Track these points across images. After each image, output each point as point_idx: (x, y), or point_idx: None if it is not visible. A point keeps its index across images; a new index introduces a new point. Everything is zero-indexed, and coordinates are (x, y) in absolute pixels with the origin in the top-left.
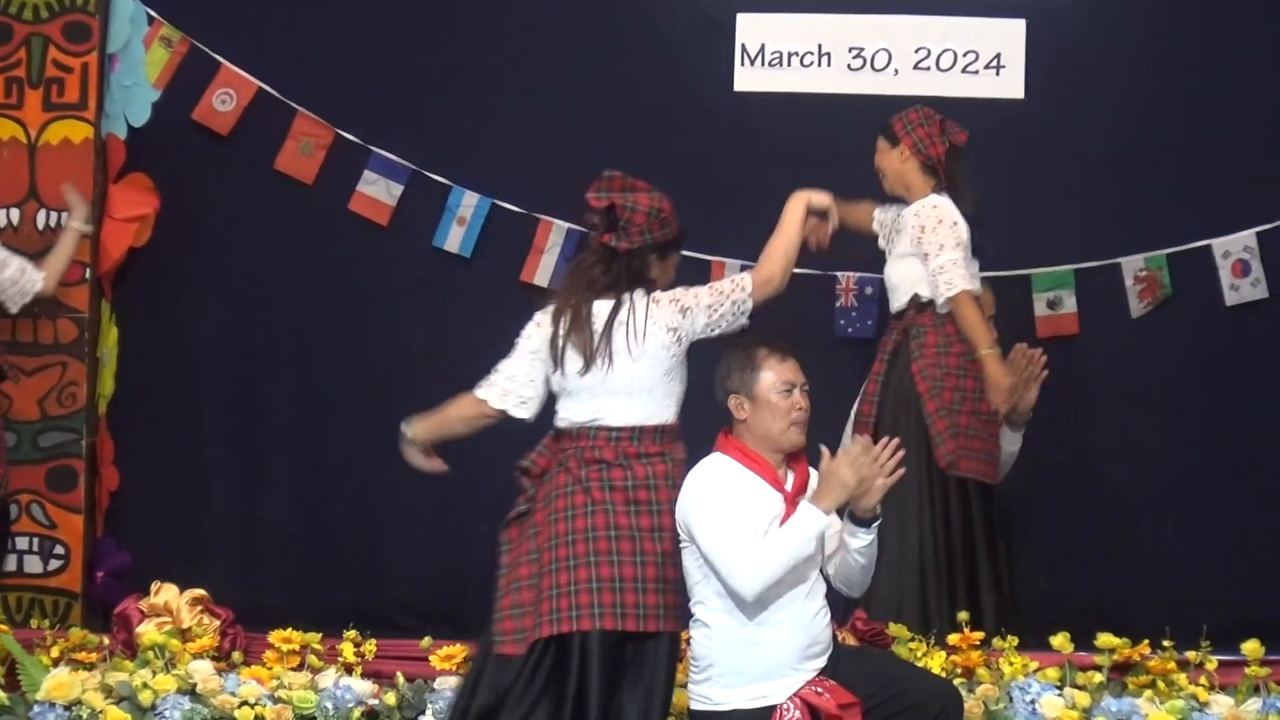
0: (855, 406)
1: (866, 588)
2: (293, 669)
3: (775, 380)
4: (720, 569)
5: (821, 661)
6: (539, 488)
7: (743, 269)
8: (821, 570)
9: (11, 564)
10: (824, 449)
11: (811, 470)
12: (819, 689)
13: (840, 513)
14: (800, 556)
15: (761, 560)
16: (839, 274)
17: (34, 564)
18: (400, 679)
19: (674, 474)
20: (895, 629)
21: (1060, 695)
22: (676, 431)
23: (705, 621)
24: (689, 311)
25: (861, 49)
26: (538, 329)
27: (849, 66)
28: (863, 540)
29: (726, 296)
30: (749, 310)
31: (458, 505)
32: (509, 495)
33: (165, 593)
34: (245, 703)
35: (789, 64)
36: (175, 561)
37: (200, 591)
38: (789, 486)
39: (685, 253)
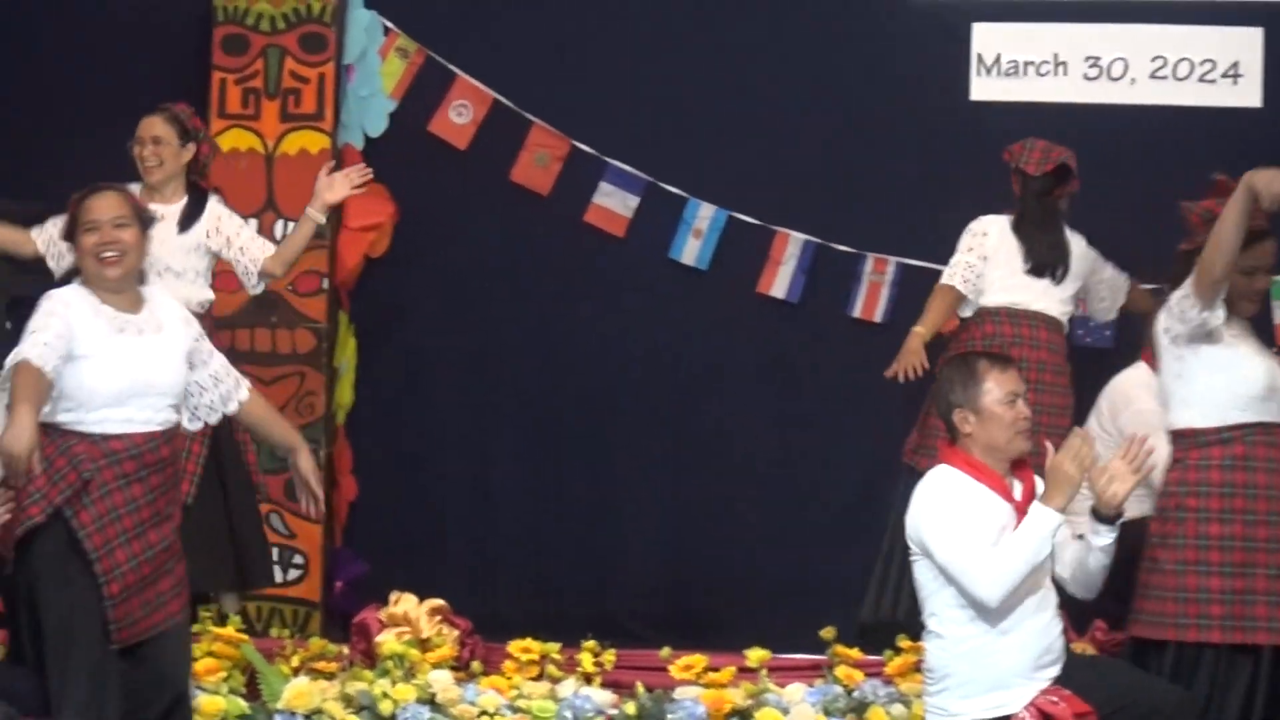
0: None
1: (1100, 589)
2: (532, 679)
3: (999, 392)
4: (960, 579)
5: (1055, 670)
6: None
7: None
8: (1052, 578)
9: None
10: (1048, 446)
11: (1038, 478)
12: (1054, 698)
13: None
14: (1038, 558)
15: (1001, 566)
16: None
17: (274, 574)
18: (640, 689)
19: None
20: None
21: None
22: None
23: (940, 633)
24: None
25: (1098, 58)
26: None
27: (1085, 76)
28: (1106, 538)
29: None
30: None
31: (691, 514)
32: (739, 506)
33: (404, 602)
34: (485, 712)
35: (1025, 73)
36: (411, 571)
37: (439, 601)
38: (1017, 496)
39: (918, 262)
